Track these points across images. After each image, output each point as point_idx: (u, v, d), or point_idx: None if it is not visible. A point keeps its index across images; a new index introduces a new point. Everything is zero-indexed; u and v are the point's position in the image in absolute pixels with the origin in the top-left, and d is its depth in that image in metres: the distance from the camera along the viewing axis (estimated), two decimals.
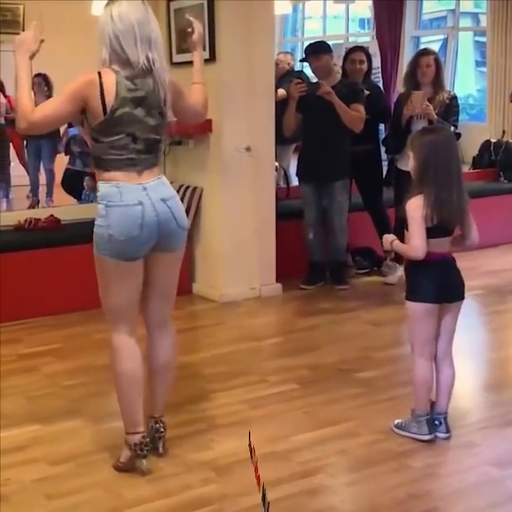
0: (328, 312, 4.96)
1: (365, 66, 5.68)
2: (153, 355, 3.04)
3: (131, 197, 2.80)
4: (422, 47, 10.08)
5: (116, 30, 2.75)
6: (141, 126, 2.82)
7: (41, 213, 5.34)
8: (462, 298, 3.19)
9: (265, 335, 4.58)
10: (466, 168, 7.54)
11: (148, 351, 3.04)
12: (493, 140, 7.59)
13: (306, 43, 6.27)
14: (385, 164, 5.92)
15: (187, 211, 5.18)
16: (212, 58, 4.83)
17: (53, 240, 4.95)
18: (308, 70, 6.18)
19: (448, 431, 3.20)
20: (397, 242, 3.16)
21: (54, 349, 4.28)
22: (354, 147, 5.36)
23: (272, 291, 5.25)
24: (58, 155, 7.47)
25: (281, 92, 6.08)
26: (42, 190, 7.65)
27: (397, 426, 3.26)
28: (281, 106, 5.44)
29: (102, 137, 2.80)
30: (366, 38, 11.26)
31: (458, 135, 5.24)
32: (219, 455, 3.07)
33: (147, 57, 2.77)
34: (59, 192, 7.11)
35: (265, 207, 5.19)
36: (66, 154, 6.99)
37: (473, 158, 7.69)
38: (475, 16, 11.37)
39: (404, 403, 3.46)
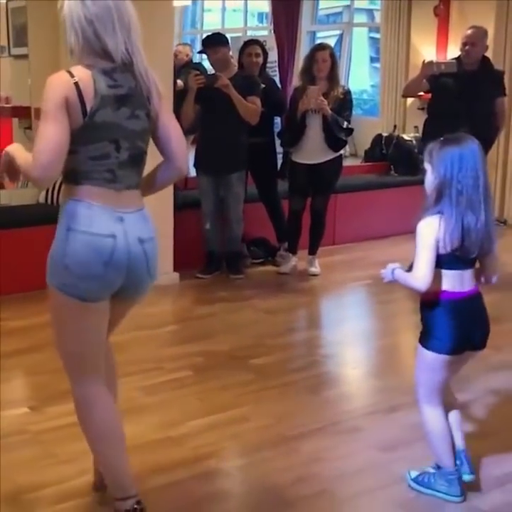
0: (224, 301, 5.04)
1: (260, 59, 5.76)
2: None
3: (103, 226, 2.27)
4: (318, 42, 10.29)
5: (89, 14, 2.22)
6: (125, 131, 2.31)
7: None
8: (484, 347, 2.69)
9: (161, 323, 4.61)
10: (358, 162, 7.79)
11: None
12: (384, 134, 7.82)
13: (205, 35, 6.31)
14: (279, 157, 6.04)
15: None
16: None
17: None
18: (206, 62, 6.24)
19: (472, 472, 2.74)
20: (399, 271, 2.63)
21: None
22: (250, 139, 5.44)
23: (169, 280, 5.28)
24: None
25: (180, 83, 6.11)
26: None
27: (417, 481, 2.79)
28: (179, 97, 5.47)
29: (78, 146, 2.25)
30: (264, 31, 11.37)
31: (351, 130, 5.44)
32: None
33: (126, 48, 2.26)
34: None
35: (163, 197, 5.20)
36: None
37: (365, 151, 7.92)
38: (370, 13, 11.64)
39: (295, 389, 3.61)
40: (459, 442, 2.75)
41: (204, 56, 5.81)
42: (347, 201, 6.49)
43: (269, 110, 5.63)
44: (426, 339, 2.64)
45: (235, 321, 4.67)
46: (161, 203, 5.19)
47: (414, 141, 7.34)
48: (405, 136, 7.65)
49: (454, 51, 7.05)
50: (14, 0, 5.99)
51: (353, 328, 4.70)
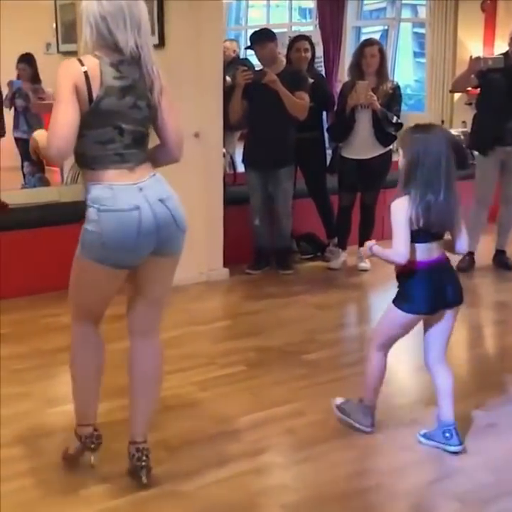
0: (274, 296, 5.04)
1: (309, 54, 5.75)
2: (135, 366, 2.79)
3: (127, 201, 2.50)
4: (363, 37, 10.23)
5: (103, 11, 2.46)
6: (128, 118, 2.54)
7: None
8: (460, 302, 3.01)
9: (213, 319, 4.64)
10: None
11: (130, 362, 2.81)
12: None
13: (250, 31, 6.33)
14: (328, 152, 6.02)
15: None
16: (161, 44, 4.85)
17: None
18: (252, 58, 6.25)
19: (460, 443, 2.99)
20: (376, 247, 2.96)
21: (2, 334, 4.25)
22: (299, 134, 5.44)
23: (220, 275, 5.31)
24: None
25: (228, 79, 6.13)
26: None
27: (338, 407, 3.23)
28: (227, 93, 5.50)
29: (84, 130, 2.48)
30: (309, 27, 11.34)
31: (400, 125, 5.40)
32: (170, 435, 3.12)
33: (136, 43, 2.49)
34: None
35: (213, 193, 5.24)
36: (10, 108, 6.80)
37: None
38: (414, 8, 11.56)
39: (348, 384, 3.59)
40: (449, 415, 2.99)
41: (250, 52, 5.81)
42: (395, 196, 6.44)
43: (318, 105, 5.62)
44: (400, 301, 2.96)
45: (286, 316, 4.67)
46: (211, 199, 5.23)
47: (462, 136, 7.26)
48: (453, 131, 7.56)
49: (501, 46, 6.97)
50: None
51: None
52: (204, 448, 3.03)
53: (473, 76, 5.43)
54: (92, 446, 2.83)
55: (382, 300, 5.21)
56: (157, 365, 2.83)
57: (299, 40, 5.90)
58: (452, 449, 2.96)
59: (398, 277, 3.00)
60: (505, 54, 5.39)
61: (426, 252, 2.90)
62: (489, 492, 2.73)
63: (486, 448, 2.81)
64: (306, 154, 5.60)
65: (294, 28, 11.21)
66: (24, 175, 6.61)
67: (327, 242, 5.91)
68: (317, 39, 8.10)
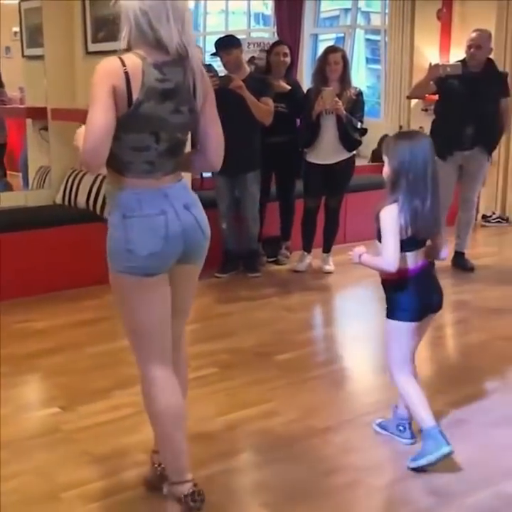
0: (244, 299, 5.10)
1: (288, 59, 5.84)
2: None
3: (153, 206, 2.38)
4: (320, 44, 10.37)
5: (143, 6, 2.27)
6: (166, 125, 2.36)
7: None
8: (440, 308, 3.03)
9: None
10: (365, 162, 7.86)
11: None
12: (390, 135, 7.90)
13: (209, 38, 6.39)
14: None
15: (104, 200, 5.24)
16: (129, 47, 4.85)
17: None
18: (215, 63, 6.29)
19: (413, 436, 3.06)
20: (366, 256, 2.90)
21: None
22: (275, 138, 5.54)
23: None
24: None
25: None
26: None
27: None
28: None
29: (121, 133, 2.30)
30: (266, 33, 11.43)
31: (365, 130, 5.51)
32: (148, 437, 3.11)
33: (181, 39, 2.29)
34: None
35: None
36: None
37: (372, 152, 7.99)
38: (367, 15, 11.74)
39: (321, 383, 3.67)
40: (406, 411, 3.02)
41: (214, 58, 5.85)
42: (357, 200, 6.56)
43: (293, 111, 5.71)
44: (393, 313, 2.93)
45: (256, 318, 4.73)
46: None
47: None
48: None
49: (456, 53, 7.13)
50: (27, 0, 6.00)
51: (370, 324, 4.77)
52: None
53: (431, 82, 5.56)
54: (196, 505, 2.49)
55: (348, 301, 5.38)
56: (186, 376, 2.72)
57: (279, 44, 6.05)
58: (407, 442, 3.07)
59: (384, 286, 2.96)
60: (463, 61, 5.53)
61: (413, 260, 2.88)
62: (462, 486, 2.79)
63: (456, 444, 2.88)
64: (280, 158, 5.69)
65: (252, 34, 11.28)
66: None
67: (280, 245, 6.02)
68: None
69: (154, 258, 2.39)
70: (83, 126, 2.37)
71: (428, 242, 2.94)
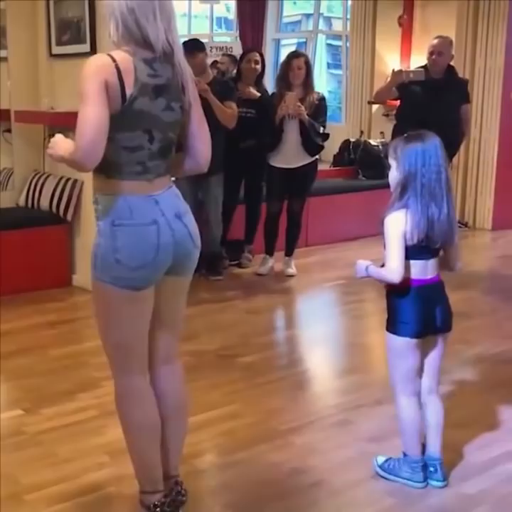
0: (206, 302, 5.11)
1: (259, 67, 5.87)
2: (165, 397, 2.52)
3: (144, 215, 2.28)
4: (282, 49, 10.45)
5: (130, 3, 2.21)
6: (159, 122, 2.30)
7: None
8: (449, 329, 2.82)
9: None
10: (326, 166, 7.95)
11: (158, 392, 2.52)
12: (352, 139, 8.01)
13: None
14: None
15: (68, 203, 5.23)
16: (92, 50, 4.84)
17: None
18: None
19: (444, 479, 2.84)
20: (372, 268, 2.74)
21: None
22: (245, 142, 5.62)
23: None
24: None
25: None
26: None
27: (383, 468, 2.91)
28: None
29: (114, 132, 2.20)
30: (227, 38, 11.47)
31: (327, 135, 5.58)
32: (112, 440, 3.12)
33: (167, 37, 2.24)
34: None
35: None
36: None
37: (334, 156, 8.07)
38: (328, 20, 11.85)
39: (282, 385, 3.71)
40: (435, 449, 2.84)
41: None
42: (319, 204, 6.65)
43: (262, 116, 5.71)
44: (392, 325, 2.76)
45: (219, 321, 4.76)
46: None
47: (380, 146, 7.52)
48: (372, 142, 7.83)
49: (417, 59, 7.25)
50: None
51: (331, 326, 4.84)
52: None
53: (394, 88, 5.64)
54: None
55: (309, 304, 5.44)
56: (184, 390, 2.64)
57: (250, 51, 6.10)
58: (418, 486, 2.84)
59: (388, 296, 2.81)
60: (425, 67, 5.61)
61: (422, 270, 2.72)
62: (420, 489, 2.83)
63: None
64: (248, 162, 5.74)
65: (214, 39, 11.32)
66: None
67: (243, 248, 6.06)
68: (238, 50, 8.25)
69: (143, 270, 2.29)
70: (58, 135, 2.34)
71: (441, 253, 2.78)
